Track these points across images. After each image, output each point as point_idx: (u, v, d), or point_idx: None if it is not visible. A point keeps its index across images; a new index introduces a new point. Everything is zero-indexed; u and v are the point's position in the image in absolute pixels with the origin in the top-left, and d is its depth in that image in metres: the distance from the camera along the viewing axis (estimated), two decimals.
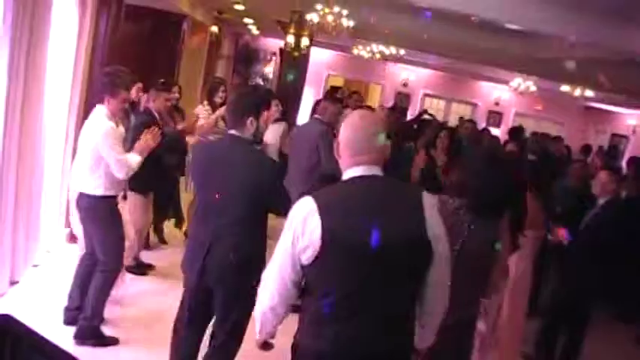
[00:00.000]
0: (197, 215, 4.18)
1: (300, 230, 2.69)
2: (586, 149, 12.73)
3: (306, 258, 2.69)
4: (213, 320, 4.24)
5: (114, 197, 5.19)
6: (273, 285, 2.83)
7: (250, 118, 3.95)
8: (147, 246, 7.47)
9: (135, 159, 5.06)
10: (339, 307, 2.71)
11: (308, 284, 2.79)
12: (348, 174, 2.80)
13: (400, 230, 2.67)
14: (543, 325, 6.25)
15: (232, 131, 4.02)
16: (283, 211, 3.48)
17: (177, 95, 7.83)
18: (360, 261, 2.64)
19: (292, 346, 2.91)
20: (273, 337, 3.07)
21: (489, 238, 3.63)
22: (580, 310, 5.99)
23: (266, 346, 3.12)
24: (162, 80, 7.06)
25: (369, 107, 10.31)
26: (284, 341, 3.05)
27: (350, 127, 2.82)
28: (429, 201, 2.77)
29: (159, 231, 7.92)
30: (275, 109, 8.09)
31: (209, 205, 4.04)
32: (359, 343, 2.73)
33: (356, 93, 11.30)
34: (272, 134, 8.01)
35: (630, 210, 6.12)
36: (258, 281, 3.84)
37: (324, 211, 2.65)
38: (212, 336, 4.23)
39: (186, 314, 4.23)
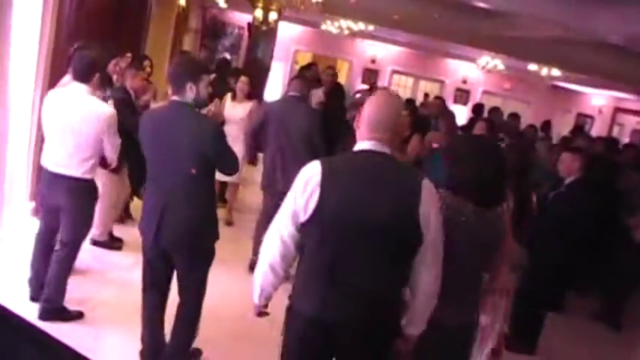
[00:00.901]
0: (149, 181, 4.28)
1: (301, 190, 2.90)
2: (546, 126, 12.87)
3: (303, 218, 2.91)
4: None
5: (94, 181, 5.20)
6: (273, 244, 3.02)
7: (189, 84, 4.08)
8: (121, 220, 7.54)
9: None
10: (325, 272, 2.90)
11: (303, 246, 2.97)
12: (359, 145, 3.00)
13: (391, 208, 2.83)
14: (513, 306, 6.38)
15: (174, 97, 4.14)
16: (232, 170, 4.19)
17: (148, 70, 7.92)
18: (349, 231, 2.84)
19: (287, 307, 3.10)
20: (268, 304, 3.25)
21: (496, 225, 3.54)
22: (543, 288, 6.11)
23: (262, 314, 3.29)
24: (129, 55, 7.02)
25: (338, 84, 10.38)
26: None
27: (374, 105, 3.02)
28: (429, 187, 2.90)
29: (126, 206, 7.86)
30: (241, 85, 8.20)
31: (159, 172, 4.18)
32: (341, 311, 2.89)
33: (330, 68, 11.28)
34: (242, 111, 8.06)
35: (593, 189, 6.22)
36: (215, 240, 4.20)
37: (326, 177, 2.87)
38: (179, 291, 4.38)
39: (145, 277, 4.41)
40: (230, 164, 4.28)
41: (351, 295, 2.88)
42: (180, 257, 4.24)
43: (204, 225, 4.24)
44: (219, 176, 5.05)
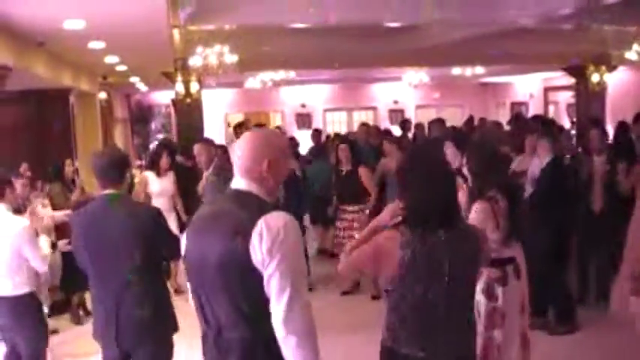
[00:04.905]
0: (93, 282, 4.15)
1: None
2: (469, 122, 13.48)
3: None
4: None
5: (35, 292, 5.07)
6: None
7: (126, 173, 4.16)
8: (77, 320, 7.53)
9: (45, 246, 5.08)
10: (200, 318, 2.87)
11: None
12: (232, 184, 2.91)
13: (221, 246, 2.68)
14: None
15: (108, 191, 4.10)
16: (175, 254, 3.84)
17: (72, 168, 8.18)
18: (200, 274, 2.80)
19: None
20: None
21: (467, 243, 3.27)
22: None
23: None
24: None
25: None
26: None
27: (238, 145, 2.93)
28: (270, 222, 2.65)
29: (84, 305, 7.70)
30: (165, 160, 8.15)
31: (101, 273, 4.07)
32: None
33: (252, 122, 11.49)
34: (165, 183, 8.16)
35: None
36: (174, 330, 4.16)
37: (191, 223, 2.98)
38: None
39: None
40: (175, 249, 4.19)
41: (219, 344, 2.74)
42: (142, 356, 4.09)
43: (162, 321, 4.14)
44: None
